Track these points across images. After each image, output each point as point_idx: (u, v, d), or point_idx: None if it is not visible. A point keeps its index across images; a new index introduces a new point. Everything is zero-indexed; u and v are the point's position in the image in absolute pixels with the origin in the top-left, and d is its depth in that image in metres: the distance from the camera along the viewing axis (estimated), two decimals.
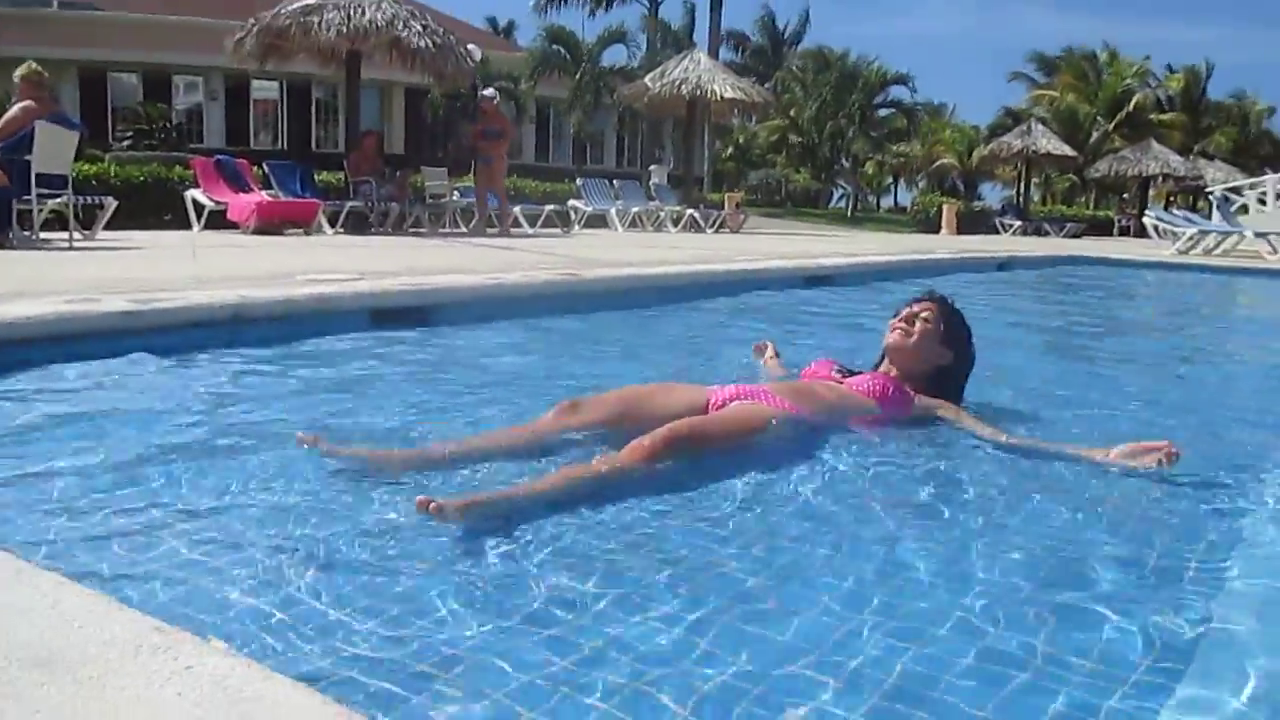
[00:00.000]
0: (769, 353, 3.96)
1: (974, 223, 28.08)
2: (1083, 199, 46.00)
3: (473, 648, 1.54)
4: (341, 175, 14.75)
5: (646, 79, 22.38)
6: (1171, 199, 35.58)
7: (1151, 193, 33.69)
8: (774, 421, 2.74)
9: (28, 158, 8.44)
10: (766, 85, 33.67)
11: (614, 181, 20.64)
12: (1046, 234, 25.86)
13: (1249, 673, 1.55)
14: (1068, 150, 29.61)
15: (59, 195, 9.01)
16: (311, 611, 1.65)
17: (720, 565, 1.93)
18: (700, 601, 1.75)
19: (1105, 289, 11.39)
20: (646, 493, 2.30)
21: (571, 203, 19.08)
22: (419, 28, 14.39)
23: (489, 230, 14.20)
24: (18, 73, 8.86)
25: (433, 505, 1.96)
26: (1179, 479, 2.66)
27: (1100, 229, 30.62)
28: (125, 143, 21.35)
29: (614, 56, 35.89)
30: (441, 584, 1.79)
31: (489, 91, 14.86)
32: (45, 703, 1.03)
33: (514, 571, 1.87)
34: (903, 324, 3.23)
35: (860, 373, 3.22)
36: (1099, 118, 42.32)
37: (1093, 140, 40.85)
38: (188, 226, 12.88)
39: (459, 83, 18.15)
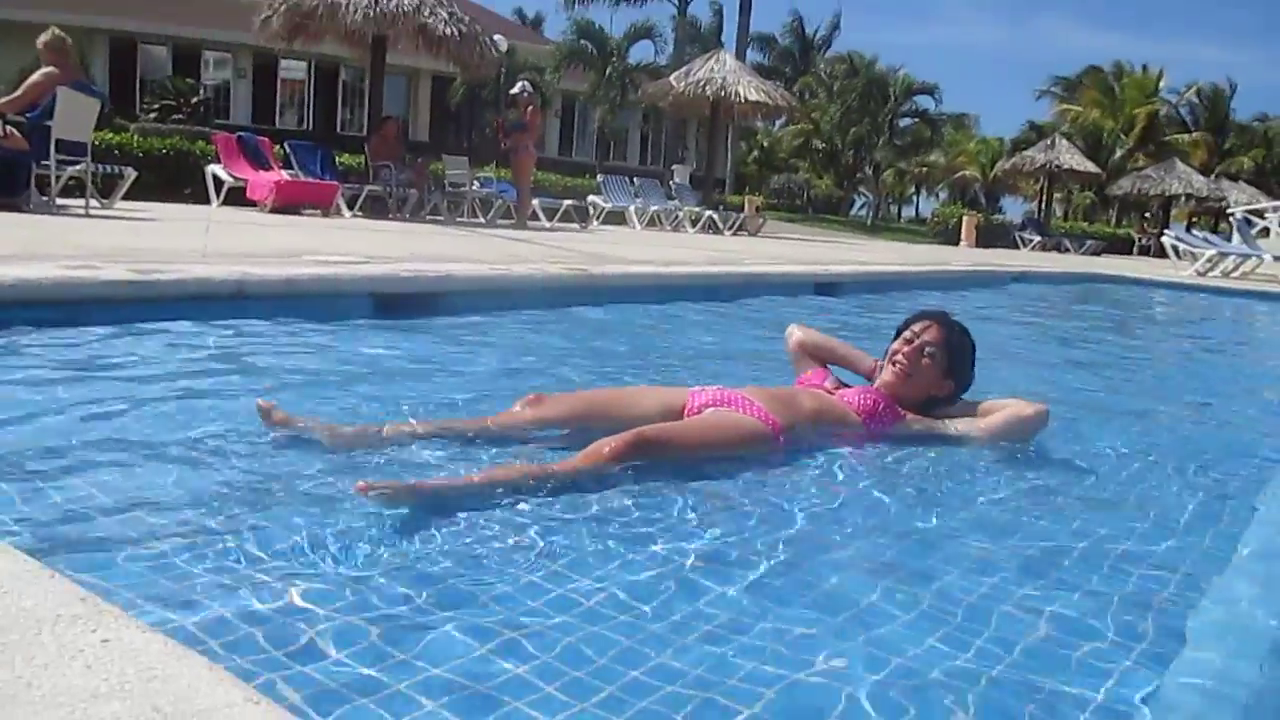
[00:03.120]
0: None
1: (994, 236, 27.98)
2: (1104, 216, 45.73)
3: (398, 633, 1.53)
4: (363, 159, 14.79)
5: (671, 77, 22.38)
6: (1194, 220, 35.37)
7: (1174, 212, 33.50)
8: (748, 431, 2.70)
9: (48, 123, 8.48)
10: (793, 89, 33.61)
11: (635, 179, 20.63)
12: (1066, 250, 25.74)
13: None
14: (1090, 166, 29.52)
15: (78, 162, 9.05)
16: (233, 583, 1.65)
17: (669, 572, 1.90)
18: (638, 614, 1.72)
19: (1119, 308, 11.32)
20: (597, 495, 2.25)
21: (591, 198, 19.08)
22: (445, 15, 14.42)
23: (499, 221, 14.26)
24: (41, 39, 8.90)
25: (371, 492, 1.95)
26: (1177, 490, 2.66)
27: (1120, 247, 30.45)
28: (152, 115, 21.49)
29: (641, 53, 35.94)
30: (374, 566, 1.78)
31: (516, 88, 14.81)
32: None
33: (445, 562, 1.84)
34: (904, 360, 3.09)
35: (852, 386, 3.20)
36: (1122, 134, 42.08)
37: (1116, 158, 40.67)
38: (207, 201, 12.94)
39: (484, 72, 18.14)
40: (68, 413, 2.66)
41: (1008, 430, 3.03)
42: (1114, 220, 44.86)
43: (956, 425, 3.07)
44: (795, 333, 3.48)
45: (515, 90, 14.81)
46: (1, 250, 5.03)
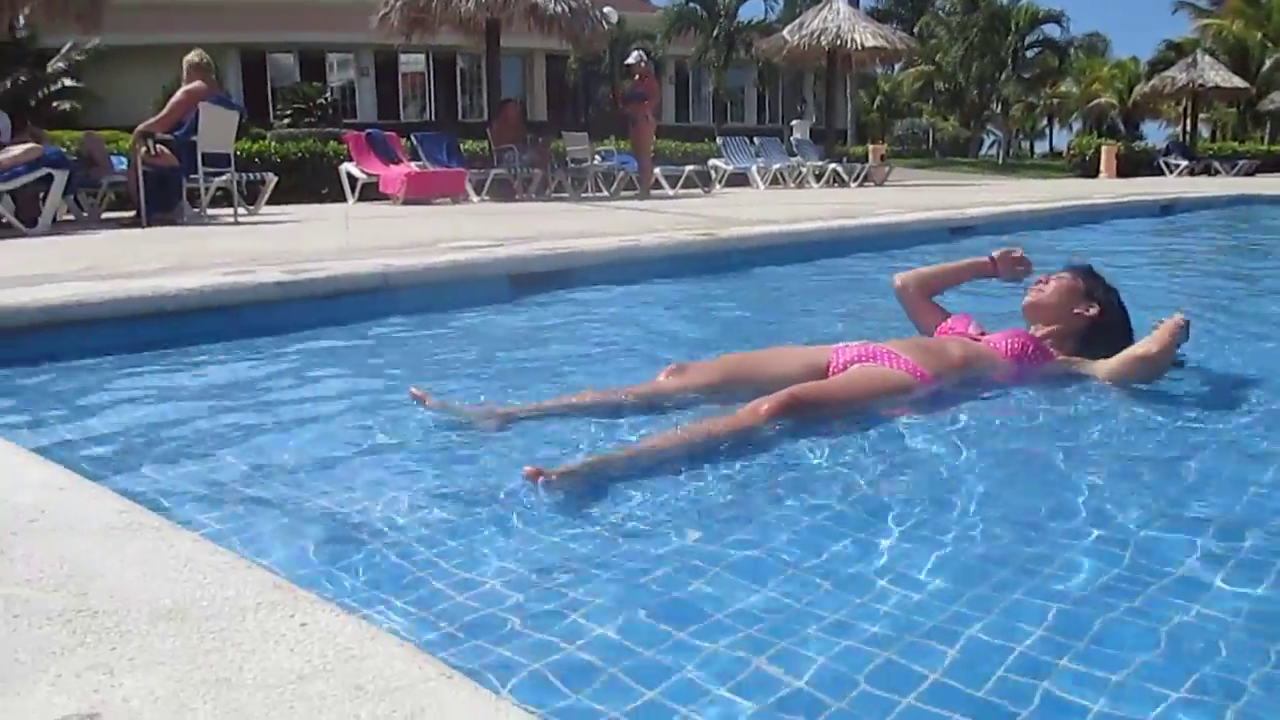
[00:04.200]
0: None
1: (1136, 164, 26.57)
2: (1257, 134, 42.82)
3: (577, 607, 1.56)
4: (486, 144, 15.05)
5: (785, 31, 21.99)
6: None
7: None
8: (897, 383, 2.66)
9: (194, 138, 8.91)
10: (911, 31, 32.59)
11: (754, 139, 20.36)
12: (1216, 173, 24.27)
13: None
14: (1238, 81, 27.66)
15: (223, 173, 9.49)
16: (414, 567, 1.71)
17: (833, 534, 1.89)
18: (813, 571, 1.72)
19: None
20: (758, 457, 2.27)
21: (712, 162, 18.92)
22: None
23: (623, 193, 14.33)
24: (188, 59, 9.33)
25: (541, 477, 2.00)
26: None
27: (1276, 165, 28.51)
28: (285, 121, 22.36)
29: (751, 11, 35.47)
30: (543, 545, 1.82)
31: (632, 58, 14.83)
32: (171, 655, 1.09)
33: (616, 536, 1.87)
34: (1042, 281, 3.11)
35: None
36: (1270, 44, 39.23)
37: (1265, 70, 37.99)
38: (343, 199, 13.39)
39: (595, 46, 18.23)
40: (242, 411, 2.82)
41: (1153, 354, 2.84)
42: (1267, 137, 41.98)
43: (1106, 363, 2.92)
44: (903, 279, 3.41)
45: (631, 60, 14.84)
46: (163, 262, 5.32)
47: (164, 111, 9.04)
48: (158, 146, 8.75)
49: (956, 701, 1.30)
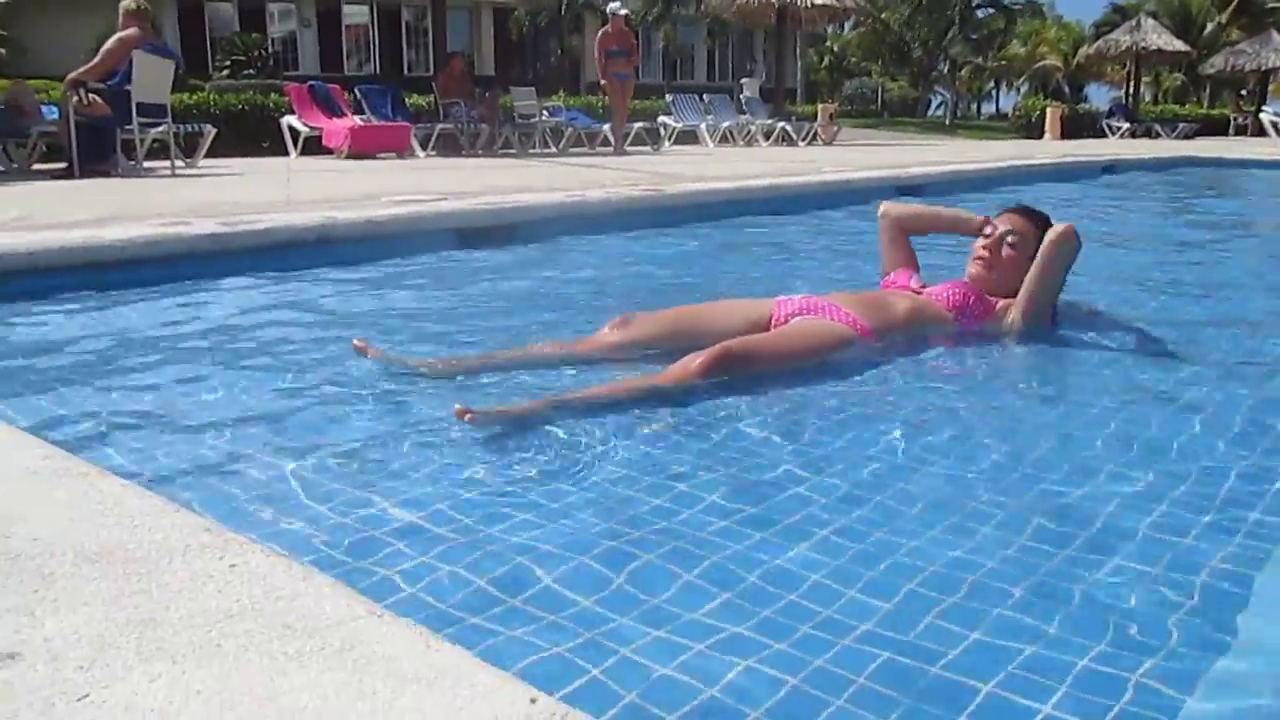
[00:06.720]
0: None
1: (1080, 126, 26.85)
2: (1196, 98, 43.47)
3: (493, 542, 1.58)
4: (432, 98, 14.80)
5: None
6: None
7: (1271, 87, 31.70)
8: (837, 337, 2.67)
9: (128, 88, 8.65)
10: None
11: (704, 96, 20.26)
12: (1158, 135, 24.61)
13: None
14: (1180, 45, 28.04)
15: (159, 124, 9.24)
16: (352, 508, 1.72)
17: (766, 484, 1.90)
18: (742, 522, 1.74)
19: (1219, 192, 10.84)
20: (687, 409, 2.27)
21: (661, 119, 18.81)
22: None
23: (572, 149, 14.13)
24: (123, 4, 9.02)
25: (469, 415, 2.00)
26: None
27: (1215, 128, 28.94)
28: (224, 72, 21.73)
29: None
30: (477, 486, 1.83)
31: (616, 5, 14.47)
32: (95, 597, 1.08)
33: (540, 477, 1.89)
34: (985, 252, 3.02)
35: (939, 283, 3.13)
36: (1213, 8, 39.77)
37: (1207, 33, 38.50)
38: (285, 153, 13.12)
39: (542, 1, 17.92)
40: (177, 363, 2.77)
41: (1049, 266, 2.90)
42: (1207, 101, 42.59)
43: (1015, 305, 2.94)
44: (891, 210, 3.37)
45: (617, 7, 14.43)
46: (97, 213, 5.18)
47: (96, 59, 8.74)
48: (90, 95, 8.48)
49: (889, 645, 1.32)
